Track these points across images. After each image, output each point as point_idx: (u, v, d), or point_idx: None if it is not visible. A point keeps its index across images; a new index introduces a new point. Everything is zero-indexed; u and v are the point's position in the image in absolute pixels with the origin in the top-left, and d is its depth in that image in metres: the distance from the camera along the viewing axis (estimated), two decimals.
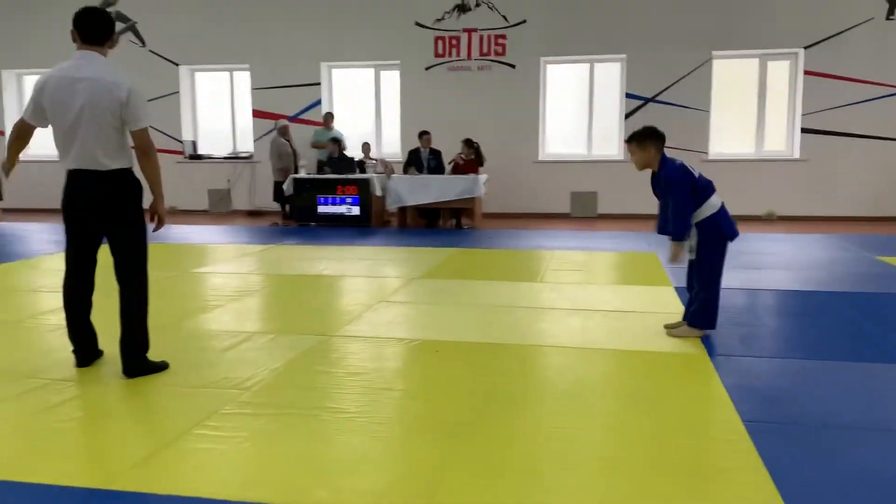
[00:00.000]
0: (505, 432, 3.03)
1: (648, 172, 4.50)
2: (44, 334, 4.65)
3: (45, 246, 8.87)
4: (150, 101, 12.73)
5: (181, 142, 13.64)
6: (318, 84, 13.13)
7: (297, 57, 13.06)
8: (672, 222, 4.30)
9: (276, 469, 2.69)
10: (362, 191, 10.87)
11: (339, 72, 13.45)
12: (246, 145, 13.73)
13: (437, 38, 12.65)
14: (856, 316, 5.10)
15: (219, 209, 13.58)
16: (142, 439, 3.02)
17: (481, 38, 12.51)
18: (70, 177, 3.68)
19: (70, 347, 3.92)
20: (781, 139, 12.25)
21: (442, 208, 11.08)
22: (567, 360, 4.10)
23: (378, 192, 10.92)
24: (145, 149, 3.68)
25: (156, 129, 13.17)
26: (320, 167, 11.57)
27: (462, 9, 12.51)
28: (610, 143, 12.54)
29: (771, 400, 3.42)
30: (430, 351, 4.26)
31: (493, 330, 4.74)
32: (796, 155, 11.94)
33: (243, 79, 13.63)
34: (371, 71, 13.31)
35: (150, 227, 3.85)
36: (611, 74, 12.56)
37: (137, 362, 3.77)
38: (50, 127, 3.67)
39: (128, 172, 3.72)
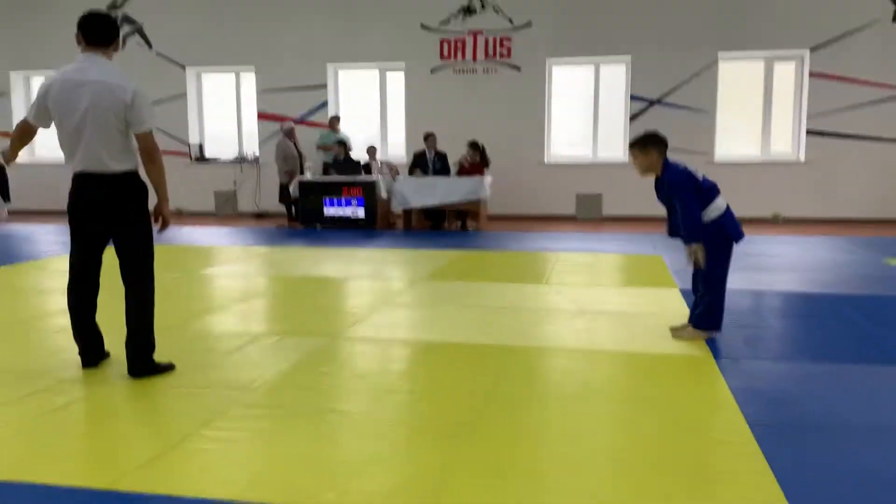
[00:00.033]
0: (510, 434, 3.03)
1: (653, 175, 4.50)
2: (51, 335, 4.68)
3: (53, 247, 8.91)
4: (156, 103, 12.67)
5: (187, 144, 13.67)
6: (325, 86, 13.16)
7: (303, 59, 13.08)
8: (683, 225, 4.30)
9: (282, 470, 2.70)
10: (368, 193, 10.89)
11: (345, 73, 13.47)
12: (252, 147, 13.76)
13: (442, 41, 12.66)
14: (861, 318, 5.09)
15: (225, 211, 13.61)
16: (148, 440, 3.03)
17: (487, 40, 12.52)
18: (76, 179, 3.70)
19: (76, 348, 3.93)
20: (787, 141, 12.22)
21: (447, 210, 11.08)
22: (572, 362, 4.10)
23: (383, 195, 10.94)
24: (150, 151, 3.69)
25: (162, 131, 13.27)
26: (326, 169, 11.60)
27: (467, 11, 12.52)
28: (615, 146, 12.52)
29: (776, 402, 3.41)
30: (435, 353, 4.26)
31: (499, 332, 4.74)
32: (802, 157, 11.91)
33: (249, 81, 13.66)
34: (376, 72, 13.33)
35: (155, 228, 3.87)
36: (616, 76, 12.56)
37: (143, 363, 3.79)
38: (55, 129, 3.69)
39: (133, 175, 3.73)
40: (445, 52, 12.68)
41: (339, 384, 3.70)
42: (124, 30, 13.61)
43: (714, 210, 4.31)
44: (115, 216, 3.70)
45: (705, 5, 11.78)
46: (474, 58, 12.60)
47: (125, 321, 3.79)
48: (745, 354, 4.19)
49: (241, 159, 13.55)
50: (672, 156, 4.39)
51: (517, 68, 12.48)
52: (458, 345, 4.42)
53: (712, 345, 4.35)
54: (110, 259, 3.83)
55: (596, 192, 12.37)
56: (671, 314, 5.12)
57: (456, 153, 11.40)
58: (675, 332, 4.58)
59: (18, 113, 14.06)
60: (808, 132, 11.78)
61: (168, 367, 3.86)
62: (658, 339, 4.50)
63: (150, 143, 3.69)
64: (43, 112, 3.68)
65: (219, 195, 13.63)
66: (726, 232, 4.33)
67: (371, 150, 11.87)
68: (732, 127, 12.29)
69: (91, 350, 3.92)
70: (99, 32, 3.68)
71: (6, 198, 13.08)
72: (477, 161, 11.13)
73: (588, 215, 12.38)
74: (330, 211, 11.05)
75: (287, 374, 3.84)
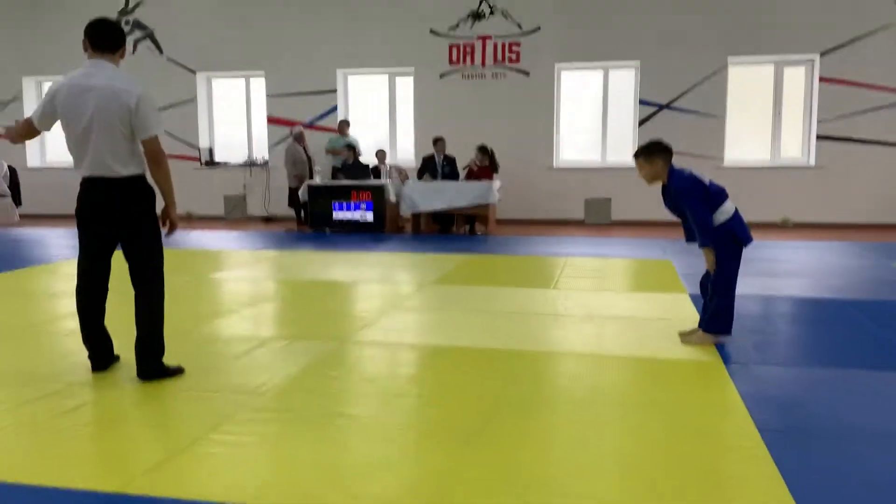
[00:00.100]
0: (519, 439, 3.02)
1: (659, 183, 4.50)
2: (61, 338, 4.70)
3: (63, 251, 8.96)
4: (167, 107, 12.76)
5: (198, 148, 13.73)
6: (334, 91, 13.20)
7: (312, 64, 13.13)
8: (696, 231, 4.31)
9: (291, 474, 2.70)
10: (377, 197, 10.91)
11: (355, 78, 13.51)
12: (261, 152, 13.81)
13: (451, 46, 12.68)
14: (872, 324, 5.06)
15: (234, 215, 13.66)
16: (157, 444, 3.04)
17: (495, 45, 12.53)
18: (83, 184, 3.72)
19: (86, 352, 3.95)
20: (797, 146, 12.17)
21: (456, 214, 11.09)
22: (581, 367, 4.09)
23: (392, 199, 10.95)
24: (155, 157, 3.70)
25: (172, 136, 13.34)
26: (335, 173, 11.62)
27: (476, 16, 12.53)
28: (624, 150, 12.47)
29: (786, 407, 3.40)
30: (443, 357, 4.26)
31: (507, 336, 4.73)
32: (812, 162, 11.85)
33: (259, 85, 13.71)
34: (386, 78, 13.36)
35: (163, 232, 3.88)
36: (625, 80, 12.55)
37: (152, 365, 3.80)
38: (63, 134, 3.72)
39: (140, 179, 3.75)
40: (454, 57, 12.69)
41: (348, 388, 3.71)
42: (135, 35, 13.70)
43: (723, 214, 4.30)
44: (122, 220, 3.72)
45: (715, 10, 11.75)
46: (483, 63, 12.61)
47: (135, 324, 3.80)
48: (754, 359, 4.18)
49: (250, 163, 13.60)
50: (682, 160, 4.39)
51: (526, 73, 12.48)
52: (467, 349, 4.42)
53: (722, 350, 4.34)
54: (121, 263, 3.85)
55: (605, 196, 12.35)
56: (680, 319, 5.10)
57: (465, 157, 11.41)
58: (685, 336, 4.57)
59: None
60: (818, 137, 11.72)
61: (177, 371, 3.88)
62: (667, 344, 4.49)
63: (156, 148, 3.69)
64: (48, 116, 3.71)
65: (228, 199, 13.68)
66: (735, 236, 4.32)
67: (380, 154, 11.90)
68: (742, 131, 12.24)
69: (100, 354, 3.93)
70: (105, 38, 3.71)
71: (18, 201, 13.18)
72: (486, 165, 11.13)
73: (597, 220, 12.36)
74: (339, 215, 11.07)
75: (296, 378, 3.84)
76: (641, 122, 12.18)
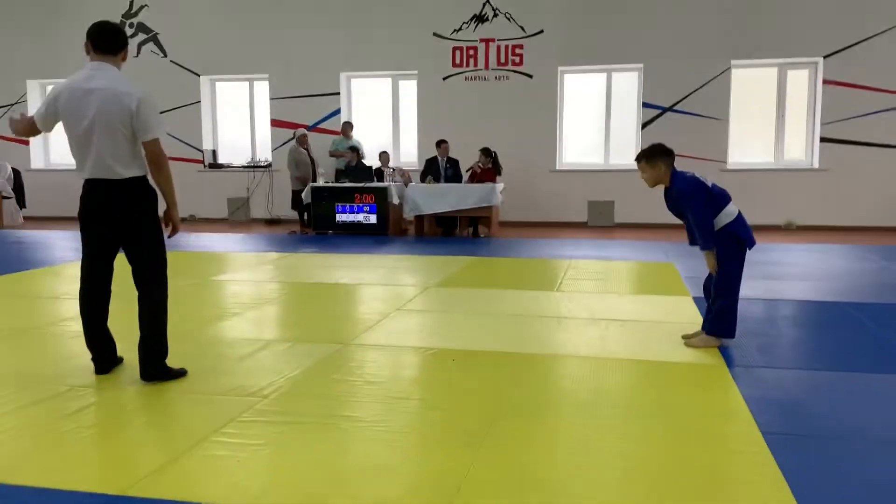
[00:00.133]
0: (522, 442, 3.02)
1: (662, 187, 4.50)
2: (65, 340, 4.70)
3: (68, 253, 8.98)
4: (171, 110, 12.78)
5: (201, 151, 13.76)
6: (338, 94, 13.22)
7: (316, 67, 13.15)
8: (697, 234, 4.31)
9: (293, 477, 2.70)
10: (380, 199, 10.91)
11: (358, 81, 13.53)
12: (265, 154, 13.83)
13: (454, 48, 12.69)
14: (876, 327, 5.04)
15: (238, 217, 13.68)
16: (159, 446, 3.05)
17: (498, 47, 12.54)
18: (86, 186, 3.73)
19: (90, 354, 3.95)
20: (801, 148, 12.16)
21: (459, 217, 11.09)
22: (584, 369, 4.08)
23: (395, 201, 10.96)
24: (156, 159, 3.71)
25: (176, 138, 13.37)
26: (338, 176, 11.63)
27: (479, 19, 12.55)
28: (627, 153, 12.47)
29: (790, 411, 3.39)
30: (446, 360, 4.26)
31: (510, 339, 4.73)
32: (816, 164, 11.84)
33: (263, 88, 13.74)
34: (389, 80, 13.37)
35: (165, 233, 3.89)
36: (628, 83, 12.54)
37: (155, 367, 3.80)
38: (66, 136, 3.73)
39: (142, 180, 3.75)
40: (458, 60, 12.70)
41: (351, 391, 3.70)
42: (139, 38, 13.74)
43: (726, 216, 4.30)
44: (123, 221, 3.72)
45: (718, 13, 11.75)
46: (486, 65, 12.62)
47: (138, 326, 3.81)
48: (758, 363, 4.17)
49: (253, 166, 13.62)
50: (685, 163, 4.40)
51: (529, 76, 12.49)
52: (470, 352, 4.41)
53: (725, 353, 4.33)
54: (125, 265, 3.86)
55: (608, 199, 12.34)
56: (684, 322, 5.10)
57: (468, 160, 11.41)
58: (688, 339, 4.57)
59: None
60: (822, 139, 11.71)
61: (180, 373, 3.88)
62: (671, 347, 4.48)
63: (157, 150, 3.70)
64: (50, 117, 3.72)
65: (232, 201, 13.71)
66: (738, 238, 4.32)
67: (383, 157, 11.90)
68: (745, 134, 12.24)
69: (104, 356, 3.94)
70: (107, 41, 3.71)
71: (21, 203, 13.21)
72: (489, 168, 11.14)
73: (600, 222, 12.35)
74: (342, 217, 11.08)
75: (299, 381, 3.84)
76: (644, 125, 12.18)
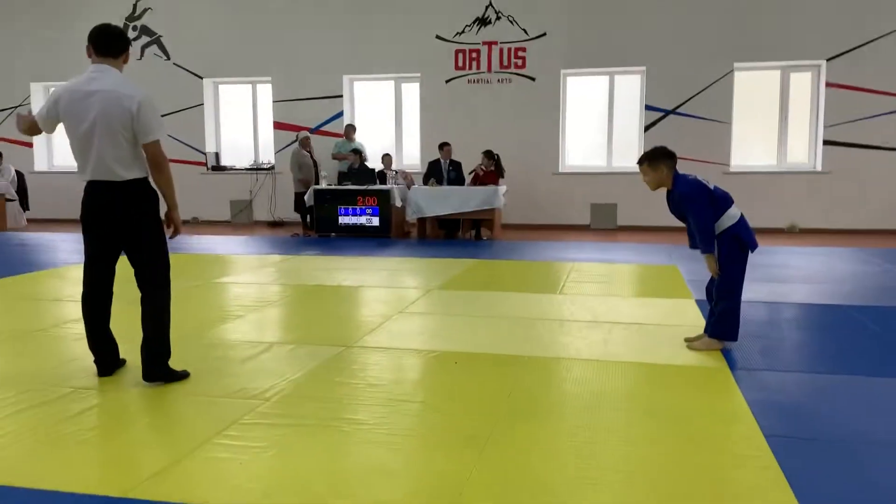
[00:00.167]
0: (524, 445, 3.02)
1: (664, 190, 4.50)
2: (68, 343, 4.71)
3: (71, 256, 8.99)
4: (174, 113, 12.80)
5: (204, 153, 13.78)
6: (340, 96, 13.23)
7: (319, 69, 13.17)
8: (697, 237, 4.31)
9: (295, 479, 2.70)
10: (382, 202, 10.92)
11: (361, 84, 13.54)
12: (268, 157, 13.85)
13: (457, 51, 12.70)
14: (879, 330, 5.03)
15: (240, 220, 13.69)
16: (162, 448, 3.05)
17: (501, 50, 12.55)
18: (87, 188, 3.74)
19: (92, 356, 3.96)
20: (804, 151, 12.15)
21: (462, 219, 11.09)
22: (587, 372, 4.08)
23: (398, 203, 10.96)
24: (157, 161, 3.72)
25: (179, 141, 13.40)
26: (341, 178, 11.64)
27: (482, 22, 12.56)
28: (630, 155, 12.46)
29: (794, 415, 3.38)
30: (448, 362, 4.25)
31: (513, 342, 4.73)
32: (819, 167, 11.83)
33: (266, 91, 13.76)
34: (392, 83, 13.39)
35: (167, 234, 3.89)
36: (631, 86, 12.54)
37: (157, 368, 3.81)
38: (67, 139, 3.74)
39: (143, 182, 3.76)
40: (460, 63, 12.71)
41: (353, 393, 3.70)
42: (142, 41, 13.78)
43: (728, 219, 4.30)
44: (125, 223, 3.73)
45: (720, 16, 11.75)
46: (489, 68, 12.63)
47: (141, 327, 3.81)
48: (761, 366, 4.16)
49: (256, 168, 13.64)
50: (688, 166, 4.39)
51: (532, 79, 12.49)
52: (473, 354, 4.41)
53: (728, 356, 4.32)
54: (129, 267, 3.86)
55: (611, 201, 12.34)
56: (687, 325, 5.09)
57: (471, 162, 11.42)
58: (691, 342, 4.56)
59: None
60: (825, 142, 11.70)
61: (183, 375, 3.88)
62: (673, 350, 4.47)
63: (157, 152, 3.70)
64: (51, 118, 3.74)
65: (234, 204, 13.73)
66: (741, 241, 4.31)
67: (386, 159, 11.91)
68: (748, 137, 12.23)
69: (106, 359, 3.94)
70: (108, 44, 3.73)
71: (25, 206, 13.23)
72: (491, 170, 11.13)
73: (603, 225, 12.35)
74: (345, 219, 11.08)
75: (301, 383, 3.84)
76: (647, 128, 12.18)
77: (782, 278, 7.11)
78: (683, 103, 12.01)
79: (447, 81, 12.77)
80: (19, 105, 14.19)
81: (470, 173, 11.40)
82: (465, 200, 10.70)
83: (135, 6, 13.81)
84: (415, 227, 11.50)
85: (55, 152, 14.79)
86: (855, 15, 11.35)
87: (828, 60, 11.54)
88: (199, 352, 4.44)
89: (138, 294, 3.84)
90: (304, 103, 13.30)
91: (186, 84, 13.72)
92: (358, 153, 11.69)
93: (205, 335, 4.92)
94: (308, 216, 11.58)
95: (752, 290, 5.73)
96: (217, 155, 13.98)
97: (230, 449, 2.96)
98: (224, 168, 13.92)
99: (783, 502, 2.50)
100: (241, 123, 14.19)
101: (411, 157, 13.34)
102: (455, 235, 11.31)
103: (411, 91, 13.25)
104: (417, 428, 3.26)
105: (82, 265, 3.89)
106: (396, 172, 11.66)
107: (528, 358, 4.32)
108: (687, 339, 4.62)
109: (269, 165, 13.66)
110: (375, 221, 10.98)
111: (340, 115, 13.22)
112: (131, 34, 13.79)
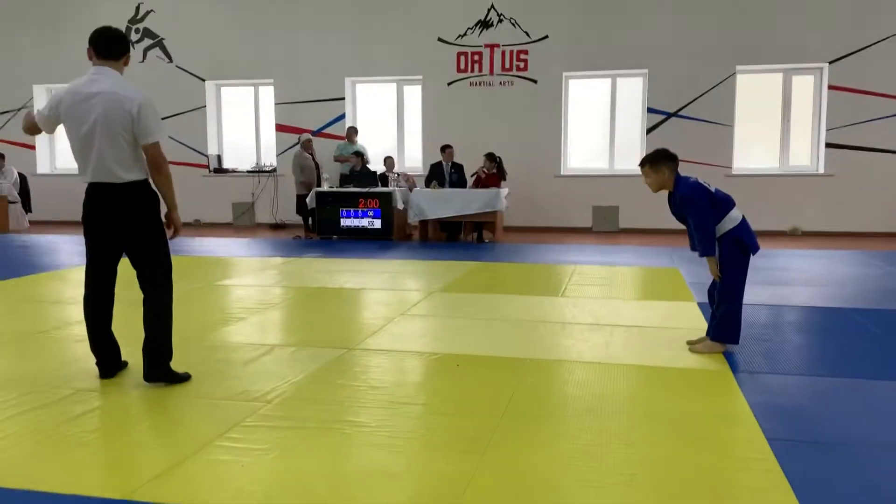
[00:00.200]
0: (526, 447, 3.01)
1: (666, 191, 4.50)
2: (70, 344, 4.71)
3: (73, 258, 9.00)
4: (176, 115, 12.83)
5: (206, 155, 13.80)
6: (342, 99, 13.24)
7: (321, 72, 13.18)
8: (697, 239, 4.31)
9: (297, 482, 2.70)
10: (384, 204, 10.92)
11: (363, 86, 13.56)
12: (270, 159, 13.86)
13: (459, 54, 12.71)
14: (881, 333, 5.03)
15: (242, 222, 13.70)
16: (163, 451, 3.05)
17: (503, 53, 12.56)
18: (88, 190, 3.75)
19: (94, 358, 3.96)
20: (806, 154, 12.14)
21: (463, 222, 11.09)
22: (589, 375, 4.07)
23: (400, 206, 10.97)
24: (157, 163, 3.73)
25: (182, 143, 13.41)
26: (343, 181, 11.65)
27: (484, 24, 12.57)
28: (632, 158, 12.44)
29: (796, 417, 3.38)
30: (450, 365, 4.25)
31: (515, 344, 4.73)
32: (821, 170, 11.82)
33: (268, 93, 13.78)
34: (394, 86, 13.40)
35: (167, 235, 3.90)
36: (633, 89, 12.54)
37: (158, 369, 3.81)
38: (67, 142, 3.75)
39: (143, 184, 3.77)
40: (462, 66, 12.72)
41: (355, 396, 3.70)
42: (145, 43, 13.80)
43: (729, 222, 4.30)
44: (126, 224, 3.74)
45: (723, 18, 11.75)
46: (491, 71, 12.64)
47: (143, 327, 3.82)
48: (763, 368, 4.16)
49: (258, 171, 13.65)
50: (690, 168, 4.40)
51: (534, 81, 12.50)
52: (474, 357, 4.41)
53: (730, 359, 4.32)
54: (131, 269, 3.87)
55: (613, 204, 12.34)
56: (688, 327, 5.08)
57: (472, 165, 11.42)
58: (693, 345, 4.56)
59: None
60: (827, 145, 11.69)
61: (184, 377, 3.88)
62: (675, 353, 4.47)
63: (157, 153, 3.72)
64: (52, 119, 3.76)
65: (236, 206, 13.74)
66: (742, 243, 4.31)
67: (388, 162, 11.92)
68: (751, 139, 12.23)
69: (108, 361, 3.94)
70: (109, 46, 3.75)
71: (28, 208, 13.25)
72: (493, 173, 11.14)
73: (605, 227, 12.35)
74: (346, 222, 11.09)
75: (303, 386, 3.84)
76: (649, 130, 12.18)
77: (784, 281, 7.11)
78: (685, 106, 12.01)
79: (449, 84, 12.78)
80: (22, 107, 14.21)
81: (472, 176, 11.41)
82: (467, 203, 10.70)
83: (137, 8, 13.83)
84: (416, 230, 11.50)
85: (57, 154, 14.82)
86: (857, 18, 11.35)
87: (830, 63, 11.53)
88: (201, 354, 4.44)
89: (140, 296, 3.85)
90: (306, 105, 13.31)
91: (189, 86, 13.75)
92: (360, 155, 11.70)
93: (207, 337, 4.92)
94: (310, 218, 11.59)
95: (755, 293, 5.73)
96: (219, 157, 14.00)
97: (232, 451, 2.96)
98: (226, 170, 13.93)
99: None
100: (243, 126, 14.20)
101: (413, 159, 13.35)
102: (457, 238, 11.31)
103: (413, 93, 13.26)
104: (419, 430, 3.26)
105: (84, 267, 3.89)
106: (398, 175, 11.67)
107: (530, 361, 4.32)
108: (689, 342, 4.62)
109: (271, 168, 13.67)
110: (377, 224, 10.98)
111: (342, 117, 13.23)
112: (134, 37, 13.83)
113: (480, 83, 12.68)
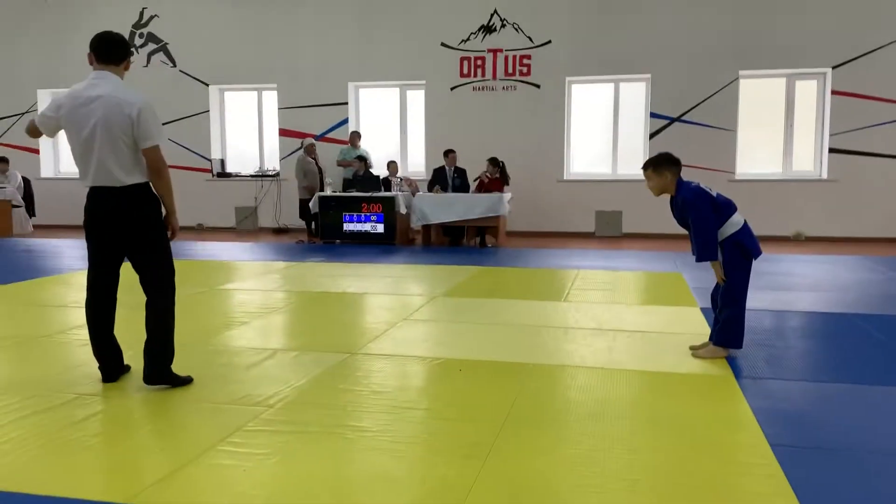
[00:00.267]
0: (528, 452, 3.01)
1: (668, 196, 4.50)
2: (72, 349, 4.72)
3: (76, 262, 9.02)
4: (179, 119, 12.85)
5: (209, 160, 13.83)
6: (346, 103, 13.27)
7: (324, 76, 13.21)
8: (698, 243, 4.30)
9: (299, 487, 2.70)
10: (387, 208, 10.93)
11: (366, 91, 13.58)
12: (273, 163, 13.89)
13: (462, 59, 12.73)
14: (884, 338, 5.01)
15: (245, 226, 13.72)
16: (166, 455, 3.04)
17: (506, 58, 12.57)
18: (90, 194, 3.76)
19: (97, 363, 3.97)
20: (809, 159, 12.13)
21: (466, 226, 11.09)
22: (591, 380, 4.07)
23: (403, 210, 10.98)
24: (156, 166, 3.74)
25: (185, 147, 13.45)
26: (346, 185, 11.66)
27: (487, 29, 12.59)
28: (635, 163, 12.34)
29: (799, 423, 3.36)
30: (453, 370, 4.25)
31: (517, 349, 4.72)
32: (824, 175, 11.81)
33: (271, 98, 13.81)
34: (397, 90, 13.42)
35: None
36: (636, 93, 12.55)
37: (159, 371, 3.81)
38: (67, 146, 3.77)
39: (144, 187, 3.78)
40: (465, 70, 12.74)
41: (357, 400, 3.70)
42: (149, 48, 13.84)
43: (731, 226, 4.29)
44: (127, 228, 3.75)
45: (726, 23, 11.75)
46: (494, 76, 12.65)
47: (145, 330, 3.82)
48: (766, 374, 4.14)
49: (261, 175, 13.67)
50: (693, 173, 4.40)
51: (537, 86, 12.51)
52: (477, 362, 4.40)
53: (733, 364, 4.31)
54: (134, 273, 3.87)
55: (616, 209, 12.34)
56: (691, 332, 5.08)
57: (475, 170, 11.43)
58: (695, 350, 4.55)
59: None
60: (830, 150, 11.68)
61: (186, 381, 3.89)
62: (678, 358, 4.46)
63: (157, 157, 3.73)
64: (53, 124, 3.77)
65: (239, 210, 13.76)
66: (744, 248, 4.31)
67: (391, 166, 11.93)
68: (754, 144, 12.22)
69: (110, 365, 3.95)
70: (109, 51, 3.76)
71: (31, 212, 13.28)
72: (496, 177, 11.14)
73: (608, 232, 12.34)
74: (349, 226, 11.10)
75: (305, 390, 3.84)
76: (652, 135, 12.18)
77: (787, 286, 7.09)
78: (689, 111, 12.01)
79: (452, 89, 12.80)
80: (26, 112, 14.26)
81: (475, 180, 11.41)
82: (470, 207, 10.70)
83: (141, 13, 13.88)
84: (419, 234, 11.50)
85: (61, 159, 14.86)
86: (861, 23, 11.35)
87: (833, 68, 11.53)
88: (203, 358, 4.44)
89: (143, 300, 3.86)
90: (310, 110, 13.34)
91: (192, 91, 13.79)
92: (363, 160, 11.71)
93: (209, 342, 4.93)
94: (313, 223, 11.60)
95: (758, 298, 5.72)
96: (222, 161, 14.03)
97: (234, 456, 2.96)
98: (229, 175, 13.96)
99: None
100: (246, 130, 14.24)
101: (416, 164, 13.36)
102: (460, 242, 11.31)
103: (416, 98, 13.28)
104: (421, 435, 3.25)
105: (87, 271, 3.90)
106: (401, 179, 11.68)
107: (533, 365, 4.32)
108: (692, 347, 4.61)
109: (274, 172, 13.69)
110: (380, 228, 10.99)
111: (345, 122, 13.25)
112: (138, 41, 13.87)
113: (483, 88, 12.70)
